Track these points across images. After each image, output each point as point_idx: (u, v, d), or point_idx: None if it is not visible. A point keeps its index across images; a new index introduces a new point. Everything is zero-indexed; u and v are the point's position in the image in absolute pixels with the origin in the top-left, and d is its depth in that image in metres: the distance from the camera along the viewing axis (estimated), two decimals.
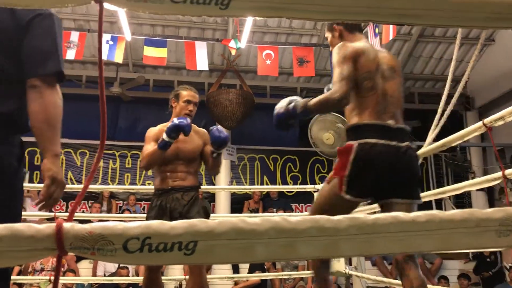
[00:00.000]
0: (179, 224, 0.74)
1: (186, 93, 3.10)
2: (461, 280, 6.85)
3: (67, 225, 0.72)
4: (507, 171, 2.76)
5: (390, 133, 2.10)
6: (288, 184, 9.06)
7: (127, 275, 6.23)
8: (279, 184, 9.11)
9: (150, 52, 6.79)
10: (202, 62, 6.62)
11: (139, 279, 6.05)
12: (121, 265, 6.24)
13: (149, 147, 2.96)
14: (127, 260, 0.74)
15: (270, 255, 0.77)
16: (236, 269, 6.82)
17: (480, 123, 2.69)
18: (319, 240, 0.79)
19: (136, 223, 0.73)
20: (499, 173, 2.79)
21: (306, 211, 8.94)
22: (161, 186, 3.02)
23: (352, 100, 2.14)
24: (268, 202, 8.60)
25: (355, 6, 0.89)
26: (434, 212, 0.83)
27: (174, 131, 2.76)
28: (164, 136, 2.79)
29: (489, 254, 7.43)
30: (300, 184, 8.87)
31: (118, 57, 6.61)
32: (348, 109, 2.23)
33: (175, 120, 2.79)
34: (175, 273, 6.76)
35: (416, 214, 0.82)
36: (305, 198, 8.72)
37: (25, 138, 1.70)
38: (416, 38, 8.40)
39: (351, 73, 2.09)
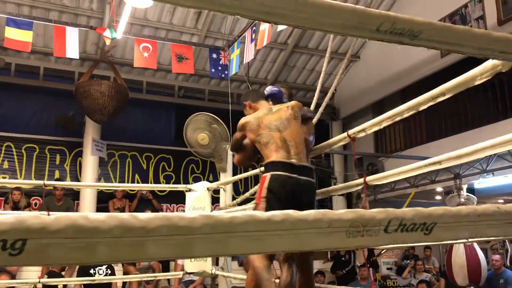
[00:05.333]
0: (5, 219, 0.63)
1: None
2: (318, 277, 7.31)
3: None
4: (368, 178, 3.00)
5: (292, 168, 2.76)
6: (160, 184, 8.86)
7: None
8: (151, 183, 8.86)
9: (13, 34, 6.12)
10: (72, 50, 6.15)
11: None
12: None
13: None
14: None
15: (114, 255, 0.70)
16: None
17: (344, 134, 2.91)
18: (171, 239, 0.74)
19: None
20: (361, 180, 3.02)
21: (177, 211, 8.83)
22: None
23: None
24: (143, 204, 8.27)
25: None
26: (290, 211, 0.83)
27: None
28: None
29: (344, 253, 8.05)
30: (173, 184, 8.73)
31: None
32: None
33: None
34: (30, 275, 6.22)
35: (272, 213, 0.81)
36: (177, 198, 8.59)
37: None
38: (292, 48, 8.80)
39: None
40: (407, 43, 1.08)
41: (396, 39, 1.06)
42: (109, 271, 6.27)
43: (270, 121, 2.91)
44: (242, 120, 3.04)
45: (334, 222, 0.86)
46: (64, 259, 0.67)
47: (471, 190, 7.85)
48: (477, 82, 1.69)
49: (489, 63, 1.55)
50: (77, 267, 6.35)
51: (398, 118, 2.37)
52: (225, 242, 0.78)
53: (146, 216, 0.73)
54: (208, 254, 0.82)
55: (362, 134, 2.78)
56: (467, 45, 1.15)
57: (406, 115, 2.28)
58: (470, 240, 2.41)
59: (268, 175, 2.70)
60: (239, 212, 0.79)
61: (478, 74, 1.64)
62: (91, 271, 6.16)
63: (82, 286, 6.12)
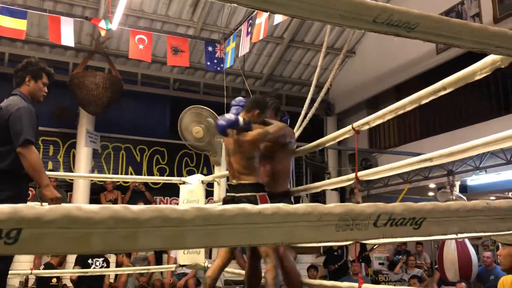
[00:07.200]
0: (0, 209, 0.64)
1: None
2: (311, 272, 7.36)
3: None
4: (359, 173, 3.03)
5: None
6: (154, 176, 8.86)
7: None
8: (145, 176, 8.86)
9: (7, 22, 6.07)
10: (67, 38, 6.11)
11: None
12: None
13: None
14: None
15: (107, 246, 0.71)
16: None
17: (349, 127, 2.93)
18: (163, 231, 0.75)
19: None
20: (353, 174, 3.05)
21: (171, 204, 8.81)
22: None
23: None
24: (136, 196, 8.27)
25: None
26: (280, 205, 0.84)
27: None
28: None
29: (337, 248, 8.09)
30: (167, 176, 8.72)
31: None
32: None
33: None
34: (22, 266, 6.20)
35: (263, 206, 0.82)
36: (170, 190, 8.58)
37: None
38: (287, 43, 8.79)
39: None
40: (403, 35, 1.09)
41: (392, 31, 1.07)
42: (105, 264, 6.29)
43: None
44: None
45: (324, 215, 0.88)
46: (58, 248, 0.68)
47: (463, 187, 7.90)
48: (477, 77, 1.72)
49: (489, 58, 1.57)
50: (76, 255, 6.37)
51: (401, 112, 2.48)
52: (216, 234, 0.79)
53: (138, 207, 0.74)
54: (200, 246, 0.83)
55: (366, 127, 2.88)
56: (463, 38, 1.16)
57: (408, 108, 2.40)
58: (459, 235, 2.44)
59: None
60: (231, 205, 0.81)
61: (478, 69, 1.67)
62: (89, 260, 6.18)
63: (77, 278, 6.13)
